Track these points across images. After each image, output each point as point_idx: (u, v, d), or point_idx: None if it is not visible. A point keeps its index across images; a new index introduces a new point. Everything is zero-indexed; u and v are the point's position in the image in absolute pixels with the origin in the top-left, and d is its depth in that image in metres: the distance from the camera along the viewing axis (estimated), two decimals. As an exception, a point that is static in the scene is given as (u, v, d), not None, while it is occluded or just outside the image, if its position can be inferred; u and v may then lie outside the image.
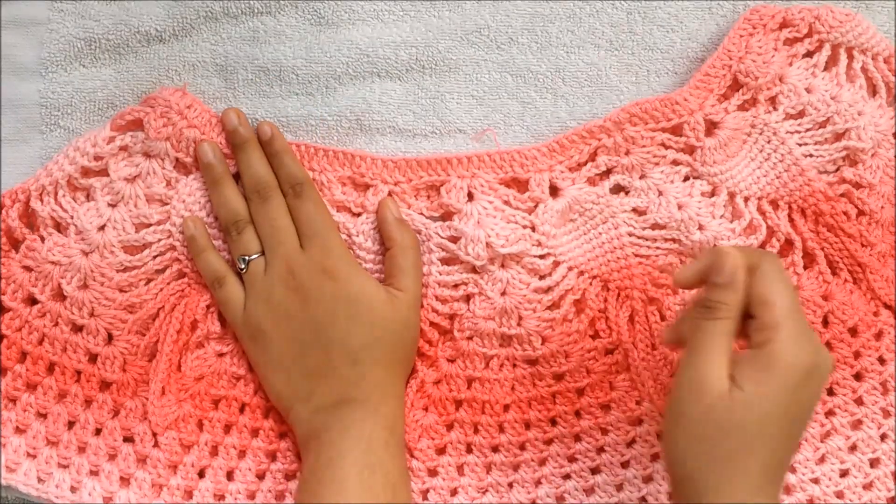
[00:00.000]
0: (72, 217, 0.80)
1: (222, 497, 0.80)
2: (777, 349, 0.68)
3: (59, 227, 0.81)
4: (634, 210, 0.82)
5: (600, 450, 0.82)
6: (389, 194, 0.81)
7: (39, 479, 0.79)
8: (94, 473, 0.80)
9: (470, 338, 0.81)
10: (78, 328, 0.80)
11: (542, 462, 0.82)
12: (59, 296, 0.80)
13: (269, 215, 0.79)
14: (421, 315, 0.80)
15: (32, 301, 0.81)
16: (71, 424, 0.80)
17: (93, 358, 0.81)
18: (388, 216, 0.80)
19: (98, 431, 0.80)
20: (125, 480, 0.80)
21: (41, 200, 0.80)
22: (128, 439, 0.80)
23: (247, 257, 0.79)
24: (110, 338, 0.81)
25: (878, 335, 0.82)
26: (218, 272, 0.80)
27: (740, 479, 0.67)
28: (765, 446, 0.68)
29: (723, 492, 0.67)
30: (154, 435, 0.80)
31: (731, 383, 0.68)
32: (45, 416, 0.80)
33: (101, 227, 0.80)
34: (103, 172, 0.80)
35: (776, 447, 0.68)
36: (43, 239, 0.80)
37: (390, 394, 0.78)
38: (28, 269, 0.80)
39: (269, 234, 0.79)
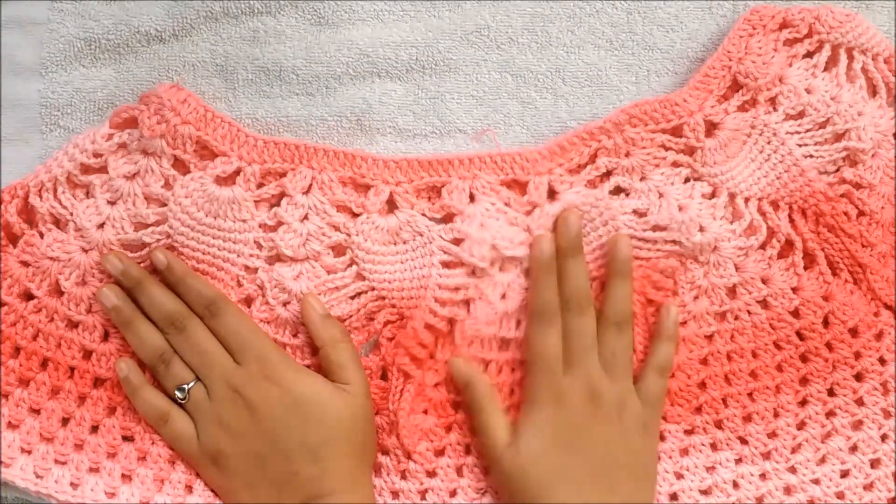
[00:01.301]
0: (71, 214, 0.80)
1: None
2: (528, 385, 0.79)
3: (59, 223, 0.80)
4: (635, 212, 0.82)
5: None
6: (391, 195, 0.81)
7: (37, 475, 0.79)
8: (94, 470, 0.80)
9: (470, 343, 0.80)
10: (74, 325, 0.80)
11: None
12: (56, 291, 0.80)
13: (191, 343, 0.79)
14: (419, 317, 0.80)
15: (28, 296, 0.80)
16: (65, 421, 0.80)
17: (87, 355, 0.80)
18: (312, 315, 0.79)
19: (94, 429, 0.80)
20: (127, 477, 0.80)
21: (40, 197, 0.80)
22: (127, 438, 0.80)
23: (185, 386, 0.79)
24: (106, 335, 0.81)
25: (879, 336, 0.82)
26: (160, 408, 0.79)
27: None
28: (544, 488, 0.76)
29: None
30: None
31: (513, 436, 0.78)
32: (38, 411, 0.80)
33: (101, 226, 0.80)
34: (103, 170, 0.80)
35: (559, 482, 0.77)
36: (42, 235, 0.80)
37: (357, 482, 0.78)
38: (25, 264, 0.80)
39: (200, 362, 0.79)
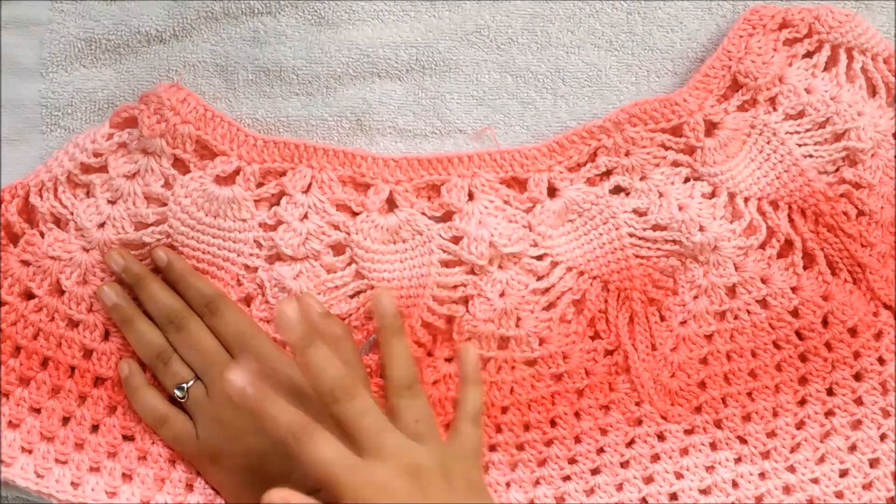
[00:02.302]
0: (72, 213, 0.80)
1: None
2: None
3: (59, 222, 0.81)
4: (635, 211, 0.82)
5: (600, 451, 0.81)
6: (390, 194, 0.81)
7: (37, 475, 0.79)
8: (94, 470, 0.80)
9: (468, 339, 0.81)
10: (74, 324, 0.80)
11: (542, 463, 0.81)
12: (57, 291, 0.80)
13: (191, 342, 0.79)
14: (417, 316, 0.80)
15: (29, 295, 0.81)
16: (66, 420, 0.80)
17: (87, 354, 0.81)
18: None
19: (95, 428, 0.80)
20: (127, 476, 0.80)
21: (41, 196, 0.80)
22: (128, 438, 0.80)
23: (184, 385, 0.79)
24: (107, 334, 0.81)
25: (878, 335, 0.82)
26: (157, 411, 0.79)
27: None
28: None
29: None
30: None
31: None
32: (38, 411, 0.80)
33: (101, 225, 0.80)
34: (103, 169, 0.80)
35: None
36: (42, 234, 0.80)
37: None
38: (26, 263, 0.80)
39: (199, 360, 0.79)
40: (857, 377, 0.82)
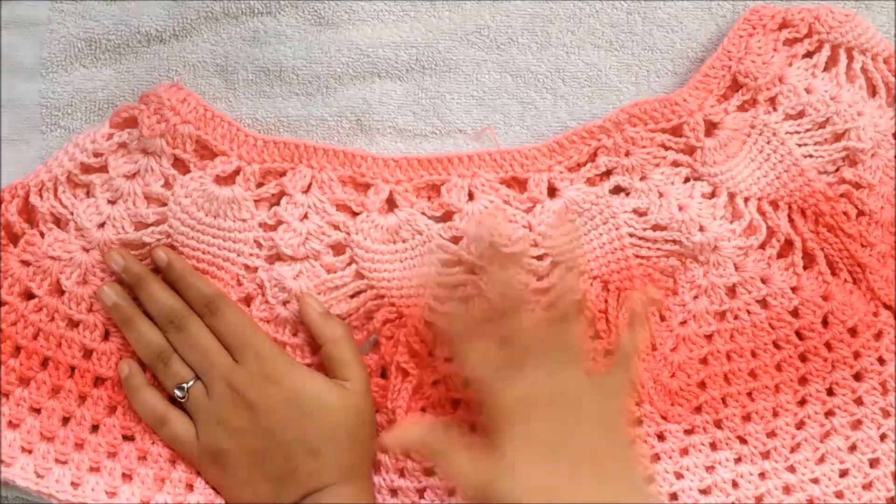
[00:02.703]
0: (72, 213, 0.80)
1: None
2: (488, 415, 0.74)
3: (59, 222, 0.81)
4: (635, 211, 0.82)
5: (600, 451, 0.82)
6: (390, 194, 0.81)
7: (38, 475, 0.79)
8: (94, 470, 0.80)
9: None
10: (74, 324, 0.80)
11: (542, 463, 0.82)
12: (57, 291, 0.80)
13: (190, 342, 0.79)
14: (417, 315, 0.80)
15: (29, 296, 0.80)
16: (66, 420, 0.80)
17: (87, 354, 0.81)
18: (311, 313, 0.79)
19: (95, 428, 0.80)
20: (127, 476, 0.80)
21: (41, 196, 0.80)
22: (128, 438, 0.80)
23: (184, 385, 0.79)
24: (107, 334, 0.81)
25: (878, 335, 0.82)
26: (157, 411, 0.79)
27: None
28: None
29: None
30: None
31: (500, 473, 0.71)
32: (38, 411, 0.80)
33: (101, 225, 0.80)
34: (103, 169, 0.80)
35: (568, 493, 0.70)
36: (42, 234, 0.80)
37: (357, 475, 0.78)
38: (26, 263, 0.80)
39: (199, 360, 0.79)
40: (857, 377, 0.82)
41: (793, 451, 0.82)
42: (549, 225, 0.79)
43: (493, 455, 0.72)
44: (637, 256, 0.81)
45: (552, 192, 0.81)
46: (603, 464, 0.72)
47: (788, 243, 0.82)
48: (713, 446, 0.82)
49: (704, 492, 0.81)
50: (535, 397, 0.73)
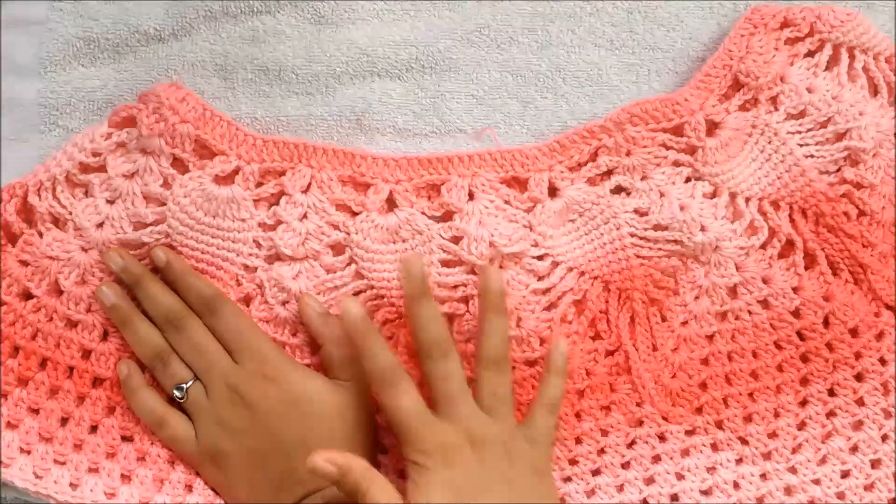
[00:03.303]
0: (70, 213, 0.80)
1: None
2: (407, 448, 0.74)
3: (58, 222, 0.80)
4: (636, 211, 0.82)
5: (601, 451, 0.81)
6: (390, 193, 0.81)
7: (36, 475, 0.79)
8: (93, 471, 0.80)
9: (468, 340, 0.80)
10: (73, 324, 0.80)
11: (542, 464, 0.82)
12: (56, 291, 0.80)
13: (190, 342, 0.79)
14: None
15: (28, 296, 0.80)
16: (64, 421, 0.80)
17: (86, 354, 0.80)
18: (310, 314, 0.79)
19: (94, 429, 0.80)
20: (126, 477, 0.80)
21: (39, 196, 0.80)
22: (126, 438, 0.80)
23: (183, 385, 0.79)
24: (105, 335, 0.81)
25: (880, 336, 0.82)
26: (156, 412, 0.79)
27: None
28: None
29: None
30: None
31: None
32: (37, 411, 0.80)
33: (100, 225, 0.80)
34: (102, 169, 0.80)
35: None
36: (41, 234, 0.80)
37: None
38: (24, 263, 0.80)
39: (198, 360, 0.79)
40: (859, 378, 0.82)
41: (794, 451, 0.82)
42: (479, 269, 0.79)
43: (409, 496, 0.72)
44: (638, 256, 0.81)
45: (553, 191, 0.81)
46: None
47: (790, 243, 0.82)
48: (714, 447, 0.82)
49: (706, 493, 0.81)
50: (461, 444, 0.73)
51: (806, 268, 0.82)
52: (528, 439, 0.76)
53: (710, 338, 0.82)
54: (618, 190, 0.82)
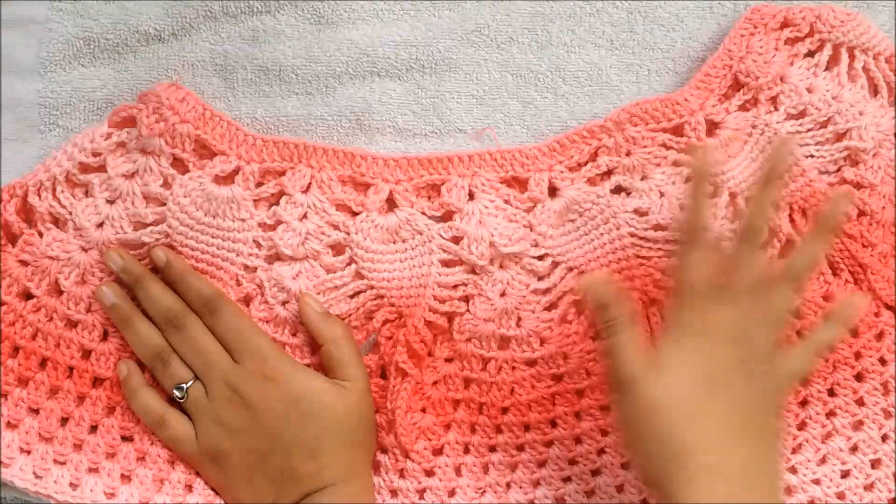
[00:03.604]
0: (70, 213, 0.80)
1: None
2: (672, 317, 0.74)
3: (58, 222, 0.81)
4: (636, 211, 0.82)
5: (601, 451, 0.81)
6: (390, 193, 0.81)
7: (36, 475, 0.79)
8: (93, 471, 0.80)
9: (468, 339, 0.81)
10: (73, 324, 0.80)
11: (542, 464, 0.81)
12: (56, 291, 0.80)
13: (190, 342, 0.79)
14: (418, 315, 0.80)
15: (27, 296, 0.80)
16: (64, 421, 0.80)
17: (86, 354, 0.80)
18: (310, 313, 0.79)
19: (94, 429, 0.80)
20: (126, 477, 0.80)
21: (39, 196, 0.80)
22: (126, 438, 0.80)
23: (183, 385, 0.79)
24: (105, 335, 0.81)
25: (880, 336, 0.82)
26: (156, 413, 0.79)
27: (680, 474, 0.69)
28: (686, 418, 0.70)
29: (674, 492, 0.69)
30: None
31: (649, 368, 0.72)
32: (37, 411, 0.80)
33: (100, 225, 0.80)
34: (102, 169, 0.80)
35: (702, 416, 0.70)
36: (41, 234, 0.80)
37: (357, 474, 0.78)
38: (24, 263, 0.80)
39: (198, 360, 0.79)
40: (859, 378, 0.82)
41: (794, 451, 0.82)
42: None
43: (661, 351, 0.72)
44: (638, 256, 0.81)
45: (553, 191, 0.81)
46: (747, 418, 0.71)
47: (789, 243, 0.82)
48: (714, 447, 0.82)
49: (705, 493, 0.81)
50: (721, 328, 0.72)
51: (805, 268, 0.82)
52: (778, 365, 0.74)
53: (710, 338, 0.82)
54: (618, 190, 0.82)
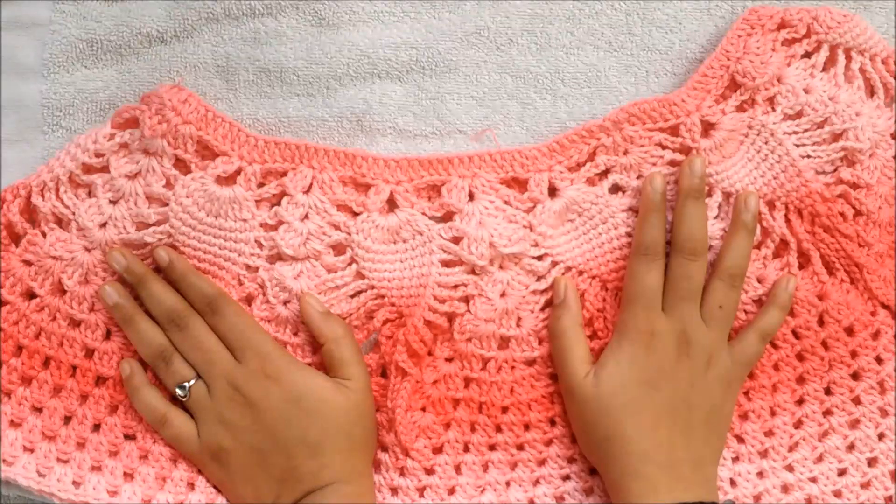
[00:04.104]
0: (73, 213, 0.80)
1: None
2: (621, 319, 0.80)
3: (61, 222, 0.81)
4: (630, 209, 0.82)
5: (599, 450, 0.82)
6: (391, 194, 0.81)
7: (39, 474, 0.79)
8: (96, 469, 0.80)
9: (469, 339, 0.81)
10: (76, 323, 0.81)
11: (541, 462, 0.82)
12: (59, 290, 0.81)
13: (192, 341, 0.79)
14: (418, 315, 0.80)
15: (31, 295, 0.81)
16: (67, 420, 0.80)
17: (89, 353, 0.81)
18: (311, 313, 0.80)
19: (97, 427, 0.81)
20: (129, 475, 0.80)
21: (42, 196, 0.80)
22: (129, 437, 0.81)
23: (186, 384, 0.79)
24: (108, 334, 0.81)
25: (876, 335, 0.82)
26: (158, 411, 0.79)
27: (618, 465, 0.76)
28: (621, 411, 0.77)
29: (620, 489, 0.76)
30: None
31: (593, 366, 0.79)
32: (40, 410, 0.80)
33: (103, 225, 0.80)
34: (105, 169, 0.80)
35: (638, 409, 0.77)
36: (44, 234, 0.81)
37: (358, 473, 0.79)
38: (28, 263, 0.80)
39: (200, 359, 0.79)
40: (855, 376, 0.83)
41: (791, 450, 0.82)
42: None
43: (603, 356, 0.79)
44: (636, 256, 0.82)
45: (552, 191, 0.82)
46: (689, 410, 0.78)
47: (784, 243, 0.82)
48: (712, 445, 0.82)
49: (703, 490, 0.82)
50: (662, 331, 0.78)
51: (800, 267, 0.82)
52: (731, 355, 0.80)
53: (708, 337, 0.82)
54: (614, 188, 0.82)
